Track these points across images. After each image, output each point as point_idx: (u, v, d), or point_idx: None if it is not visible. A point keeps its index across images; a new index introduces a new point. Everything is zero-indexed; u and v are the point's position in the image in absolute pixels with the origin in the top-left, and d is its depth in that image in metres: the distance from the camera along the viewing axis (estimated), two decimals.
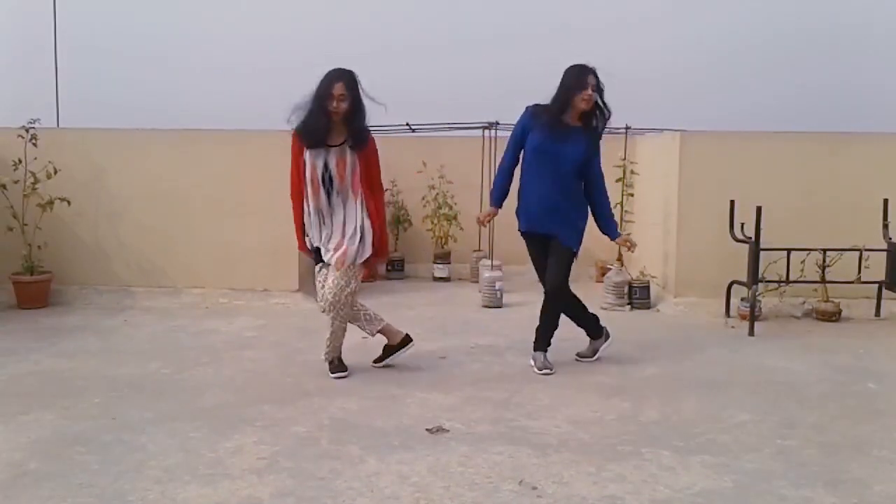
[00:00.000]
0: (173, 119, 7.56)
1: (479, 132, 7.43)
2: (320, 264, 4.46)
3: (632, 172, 7.20)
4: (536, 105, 4.58)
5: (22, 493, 2.95)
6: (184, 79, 9.95)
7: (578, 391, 4.26)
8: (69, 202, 6.35)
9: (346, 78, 4.23)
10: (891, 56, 9.86)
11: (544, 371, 4.59)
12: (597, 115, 4.51)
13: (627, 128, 7.29)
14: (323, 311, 4.46)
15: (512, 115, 7.16)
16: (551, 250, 4.61)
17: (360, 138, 4.34)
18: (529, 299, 6.81)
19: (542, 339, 4.74)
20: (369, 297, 6.91)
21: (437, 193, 7.87)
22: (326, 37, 9.53)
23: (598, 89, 4.44)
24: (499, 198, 4.74)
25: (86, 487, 3.00)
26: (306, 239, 4.50)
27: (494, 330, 5.70)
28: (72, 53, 9.63)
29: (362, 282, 6.45)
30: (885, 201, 6.07)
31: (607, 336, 4.92)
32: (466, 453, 3.36)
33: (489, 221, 4.87)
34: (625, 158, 7.23)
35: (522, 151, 4.62)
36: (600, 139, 4.63)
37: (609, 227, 4.72)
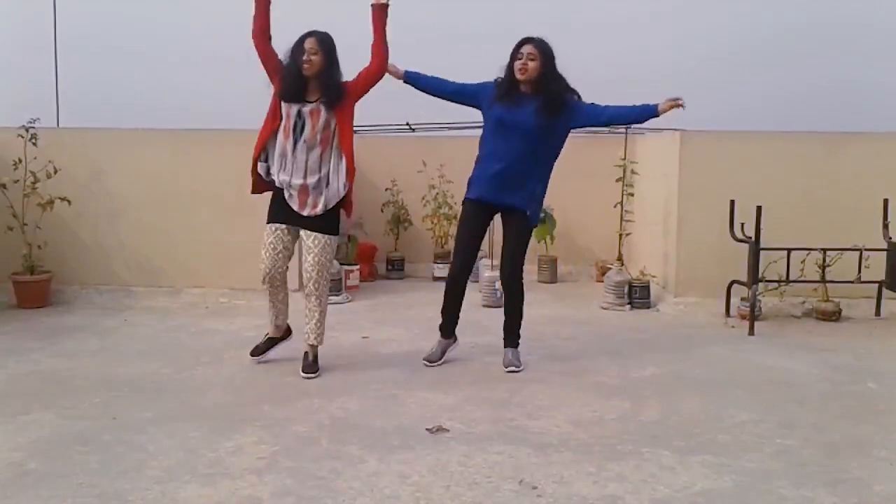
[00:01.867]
0: (176, 118, 7.55)
1: (479, 131, 7.41)
2: (276, 225, 4.48)
3: (632, 172, 7.20)
4: (497, 78, 4.66)
5: (22, 493, 2.95)
6: (186, 77, 9.94)
7: (578, 391, 4.26)
8: (69, 202, 6.36)
9: (318, 35, 4.35)
10: (890, 54, 9.86)
11: (510, 369, 4.60)
12: (550, 82, 4.51)
13: (627, 127, 7.29)
14: (264, 283, 4.57)
15: None
16: (506, 226, 4.64)
17: (331, 94, 4.37)
18: (529, 299, 6.79)
19: (510, 334, 4.80)
20: (369, 296, 6.92)
21: (438, 193, 7.87)
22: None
23: (544, 57, 4.45)
24: (415, 74, 4.77)
25: (86, 487, 3.00)
26: (261, 165, 4.60)
27: (494, 330, 5.68)
28: (72, 52, 9.62)
29: (361, 280, 6.48)
30: (886, 201, 6.08)
31: (455, 339, 4.95)
32: (466, 453, 3.36)
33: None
34: (625, 158, 7.23)
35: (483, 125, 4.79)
36: (561, 99, 4.53)
37: (641, 109, 4.56)
